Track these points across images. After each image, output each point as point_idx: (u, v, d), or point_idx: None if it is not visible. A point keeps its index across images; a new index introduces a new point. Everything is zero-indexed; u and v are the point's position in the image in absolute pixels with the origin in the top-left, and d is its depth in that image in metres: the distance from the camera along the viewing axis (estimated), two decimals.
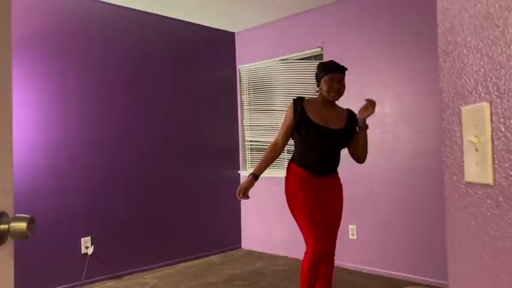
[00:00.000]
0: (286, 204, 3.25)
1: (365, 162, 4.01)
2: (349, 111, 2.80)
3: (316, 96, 2.81)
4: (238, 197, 2.68)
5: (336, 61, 2.77)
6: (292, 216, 2.78)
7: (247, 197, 2.68)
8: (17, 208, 3.21)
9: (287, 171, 2.75)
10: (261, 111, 5.01)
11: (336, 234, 2.79)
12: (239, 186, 2.69)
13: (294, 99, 2.74)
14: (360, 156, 2.71)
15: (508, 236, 0.68)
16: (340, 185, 2.82)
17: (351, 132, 2.72)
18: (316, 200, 2.62)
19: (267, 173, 2.85)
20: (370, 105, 2.65)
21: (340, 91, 2.67)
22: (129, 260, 4.12)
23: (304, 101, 2.72)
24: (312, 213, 2.58)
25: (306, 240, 2.59)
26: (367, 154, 2.72)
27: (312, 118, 2.63)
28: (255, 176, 2.68)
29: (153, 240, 4.30)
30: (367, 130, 2.71)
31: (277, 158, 2.76)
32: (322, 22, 4.38)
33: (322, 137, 2.62)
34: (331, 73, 2.65)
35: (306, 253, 2.57)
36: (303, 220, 2.60)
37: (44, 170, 3.61)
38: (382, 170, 3.92)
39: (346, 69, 2.71)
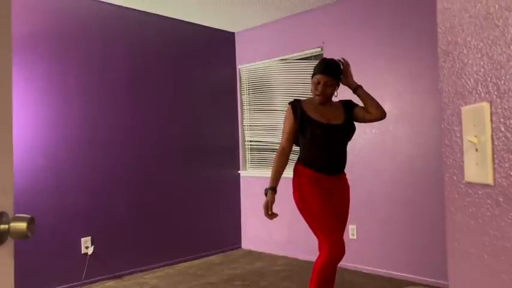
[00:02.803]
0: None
1: (365, 163, 4.04)
2: (343, 102, 2.77)
3: (312, 96, 2.79)
4: (268, 217, 2.58)
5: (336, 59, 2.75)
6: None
7: (276, 214, 2.58)
8: (17, 208, 3.20)
9: (294, 173, 2.71)
10: (261, 111, 5.01)
11: (345, 223, 2.78)
12: (264, 206, 2.58)
13: (290, 102, 2.74)
14: (373, 114, 2.63)
15: (508, 236, 0.68)
16: (348, 186, 2.79)
17: (351, 124, 2.70)
18: (329, 200, 2.61)
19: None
20: (345, 69, 2.69)
21: (324, 94, 2.65)
22: (129, 260, 4.12)
23: (301, 102, 2.72)
24: (326, 213, 2.56)
25: (321, 241, 2.55)
26: (381, 106, 2.63)
27: (314, 117, 2.63)
28: (273, 190, 2.62)
29: (153, 240, 4.30)
30: (364, 87, 2.69)
31: (287, 163, 2.70)
32: (322, 22, 4.38)
33: (328, 134, 2.61)
34: (318, 75, 2.65)
35: (321, 254, 2.53)
36: (318, 221, 2.56)
37: (44, 170, 3.61)
38: (382, 170, 3.92)
39: (336, 73, 2.67)
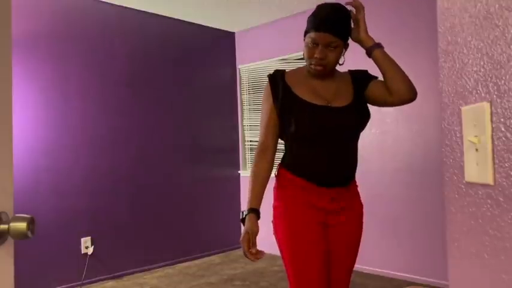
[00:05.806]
0: None
1: (364, 162, 4.03)
2: (353, 73, 1.81)
3: (302, 66, 1.82)
4: (250, 256, 1.60)
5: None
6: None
7: (261, 253, 1.59)
8: (17, 208, 3.20)
9: (276, 181, 1.81)
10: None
11: (346, 283, 1.80)
12: (243, 240, 1.62)
13: (269, 74, 1.77)
14: (398, 90, 1.63)
15: (508, 236, 0.68)
16: (360, 207, 1.80)
17: (364, 107, 1.75)
18: (314, 232, 1.68)
19: None
20: (357, 17, 1.70)
21: (324, 64, 1.66)
22: (129, 260, 4.12)
23: (286, 74, 1.76)
24: (300, 251, 1.67)
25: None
26: (409, 80, 1.66)
27: (303, 97, 1.69)
28: (255, 213, 1.71)
29: (153, 240, 4.30)
30: (381, 48, 1.76)
31: (272, 168, 1.78)
32: None
33: (324, 123, 1.66)
34: (312, 32, 1.63)
35: None
36: (287, 259, 1.73)
37: (44, 170, 3.61)
38: (382, 170, 3.92)
39: (343, 27, 1.66)
